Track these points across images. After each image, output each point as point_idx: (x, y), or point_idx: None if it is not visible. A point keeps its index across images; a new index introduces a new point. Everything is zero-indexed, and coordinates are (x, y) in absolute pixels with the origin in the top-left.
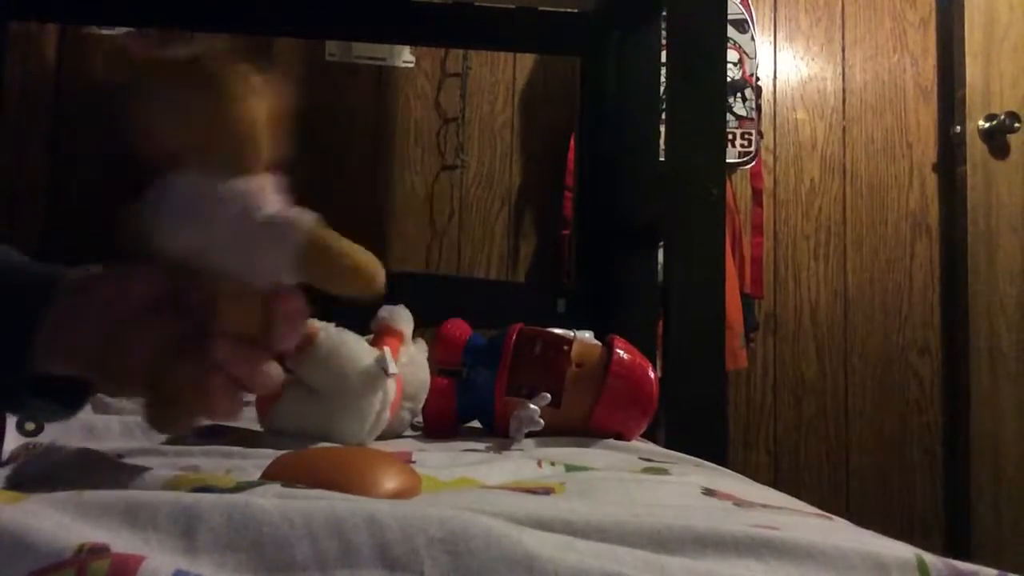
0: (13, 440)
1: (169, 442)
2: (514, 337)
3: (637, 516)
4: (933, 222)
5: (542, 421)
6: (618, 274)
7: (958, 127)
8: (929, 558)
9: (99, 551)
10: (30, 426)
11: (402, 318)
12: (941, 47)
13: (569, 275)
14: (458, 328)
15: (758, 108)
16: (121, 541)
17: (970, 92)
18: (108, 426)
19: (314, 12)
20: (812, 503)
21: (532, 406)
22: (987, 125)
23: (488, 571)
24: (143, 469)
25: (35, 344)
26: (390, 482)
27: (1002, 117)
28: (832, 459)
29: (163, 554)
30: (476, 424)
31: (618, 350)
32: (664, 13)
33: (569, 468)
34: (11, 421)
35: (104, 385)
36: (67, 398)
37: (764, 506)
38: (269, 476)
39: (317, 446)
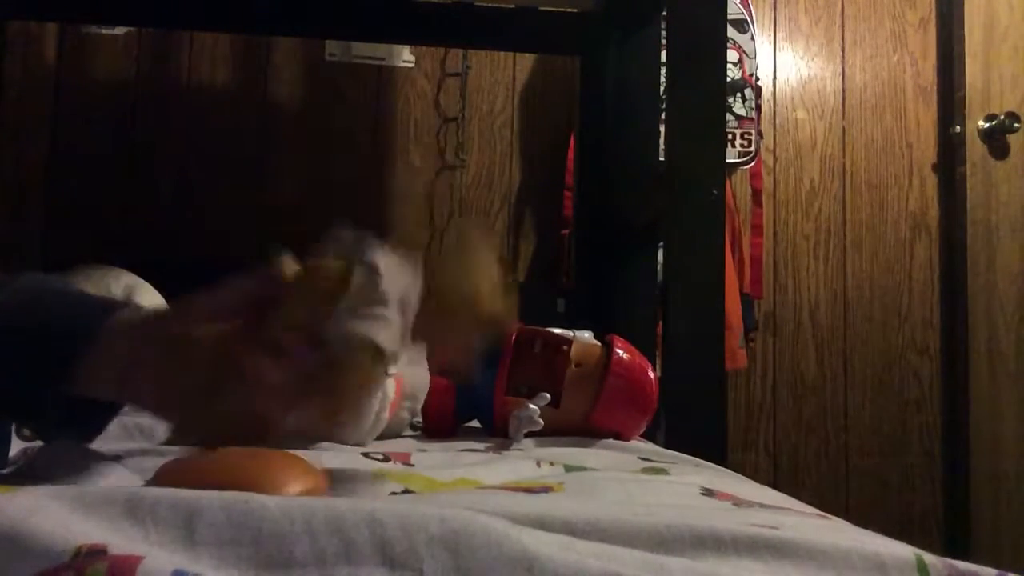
0: (13, 444)
1: (167, 442)
2: (514, 337)
3: (637, 516)
4: (933, 222)
5: (541, 421)
6: (618, 274)
7: (958, 127)
8: (929, 558)
9: (97, 553)
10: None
11: None
12: (941, 47)
13: (569, 275)
14: None
15: (758, 108)
16: (120, 538)
17: (970, 92)
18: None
19: (314, 12)
20: (811, 503)
21: (531, 406)
22: (987, 125)
23: (487, 570)
24: (141, 470)
25: (78, 371)
26: (294, 485)
27: (1002, 117)
28: (831, 459)
29: (162, 549)
30: (476, 424)
31: (618, 350)
32: (664, 13)
33: (568, 468)
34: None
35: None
36: (86, 428)
37: (763, 506)
38: (159, 484)
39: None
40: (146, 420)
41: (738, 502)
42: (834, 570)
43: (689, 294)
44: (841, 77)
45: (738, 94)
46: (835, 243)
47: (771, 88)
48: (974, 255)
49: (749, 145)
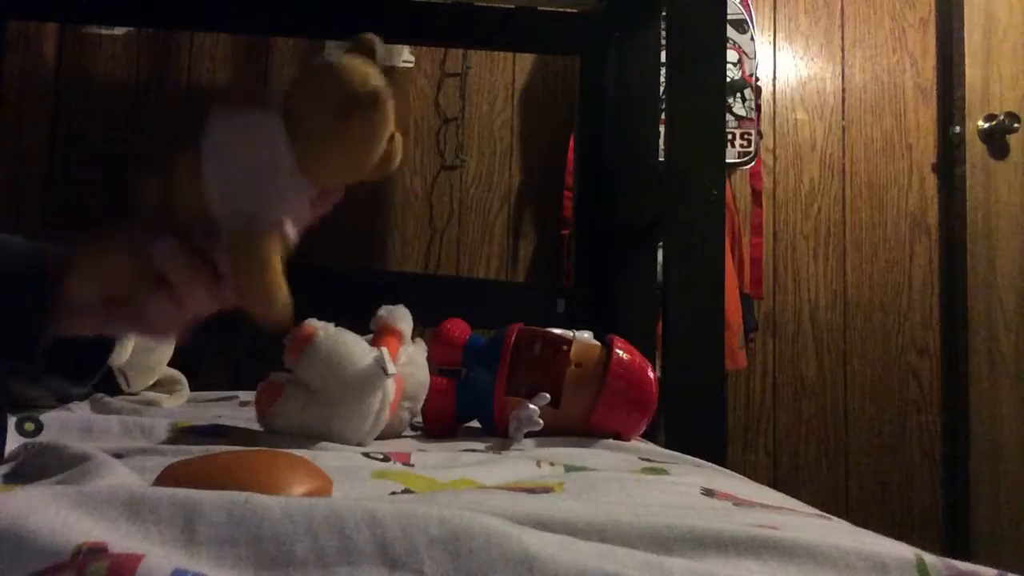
0: (12, 440)
1: (168, 442)
2: (513, 337)
3: (637, 516)
4: (933, 222)
5: (541, 421)
6: (618, 274)
7: (957, 127)
8: (929, 558)
9: (97, 551)
10: (29, 426)
11: (401, 318)
12: (941, 47)
13: (569, 275)
14: (458, 328)
15: (757, 108)
16: (120, 537)
17: (969, 92)
18: (107, 426)
19: (314, 12)
20: (811, 503)
21: (531, 406)
22: (986, 125)
23: (488, 570)
24: (141, 469)
25: (53, 312)
26: (299, 487)
27: (1001, 117)
28: (831, 459)
29: (163, 548)
30: (475, 424)
31: (617, 350)
32: (664, 13)
33: (568, 468)
34: (10, 421)
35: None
36: (79, 374)
37: (763, 506)
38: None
39: (212, 452)
40: (146, 420)
41: (738, 502)
42: (834, 570)
43: (689, 294)
44: (841, 77)
45: (738, 94)
46: (835, 243)
47: (771, 88)
48: (974, 255)
49: (749, 145)
